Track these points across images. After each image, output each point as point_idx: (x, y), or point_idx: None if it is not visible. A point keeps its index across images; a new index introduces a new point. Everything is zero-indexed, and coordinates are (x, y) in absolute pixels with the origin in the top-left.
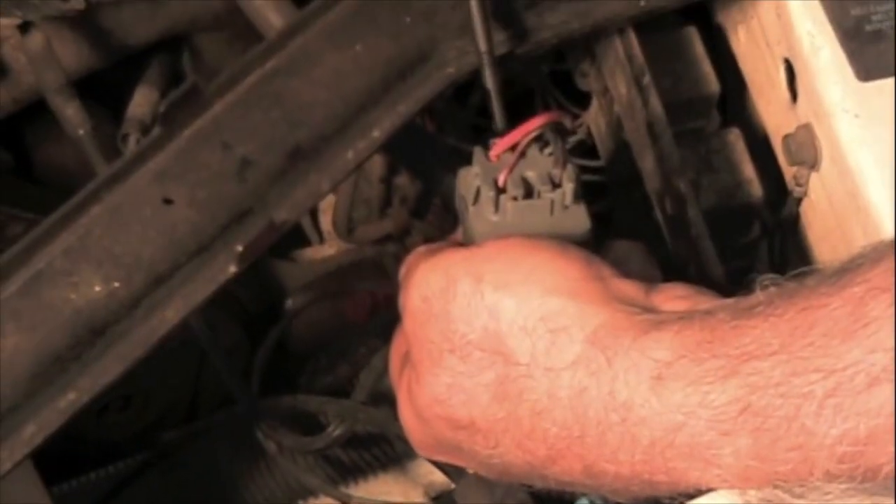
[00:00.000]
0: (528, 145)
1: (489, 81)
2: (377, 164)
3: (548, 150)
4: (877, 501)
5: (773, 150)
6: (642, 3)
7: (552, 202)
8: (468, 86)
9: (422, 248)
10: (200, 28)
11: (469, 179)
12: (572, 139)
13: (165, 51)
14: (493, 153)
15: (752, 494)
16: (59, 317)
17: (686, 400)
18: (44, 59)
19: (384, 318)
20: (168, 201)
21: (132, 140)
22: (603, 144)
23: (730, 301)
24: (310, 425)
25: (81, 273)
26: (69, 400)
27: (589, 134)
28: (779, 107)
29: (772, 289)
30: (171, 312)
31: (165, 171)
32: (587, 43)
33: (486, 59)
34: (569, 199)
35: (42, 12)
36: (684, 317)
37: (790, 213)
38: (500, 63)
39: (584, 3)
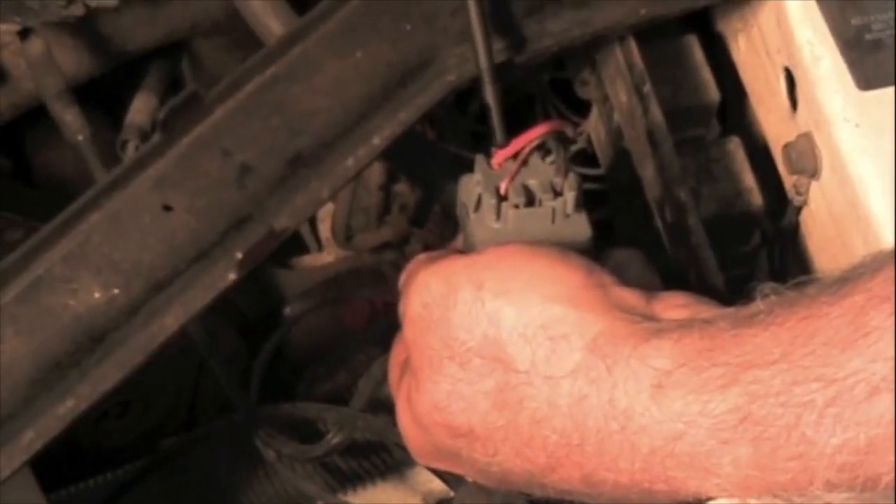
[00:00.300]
0: (530, 153)
1: (489, 96)
2: (376, 172)
3: (549, 159)
4: None
5: (774, 159)
6: (643, 11)
7: (553, 210)
8: (469, 93)
9: (422, 256)
10: (200, 34)
11: (471, 187)
12: (573, 147)
13: (164, 57)
14: (494, 161)
15: None
16: (58, 323)
17: (686, 409)
18: (43, 64)
19: (383, 326)
20: (167, 208)
21: (131, 146)
22: (603, 153)
23: (730, 310)
24: (308, 433)
25: (81, 279)
26: (68, 406)
27: (589, 142)
28: (779, 116)
29: (772, 297)
30: (171, 319)
31: (165, 177)
32: (587, 51)
33: (485, 75)
34: (570, 207)
35: (42, 18)
36: (684, 325)
37: (790, 222)
38: (500, 71)
39: (584, 11)
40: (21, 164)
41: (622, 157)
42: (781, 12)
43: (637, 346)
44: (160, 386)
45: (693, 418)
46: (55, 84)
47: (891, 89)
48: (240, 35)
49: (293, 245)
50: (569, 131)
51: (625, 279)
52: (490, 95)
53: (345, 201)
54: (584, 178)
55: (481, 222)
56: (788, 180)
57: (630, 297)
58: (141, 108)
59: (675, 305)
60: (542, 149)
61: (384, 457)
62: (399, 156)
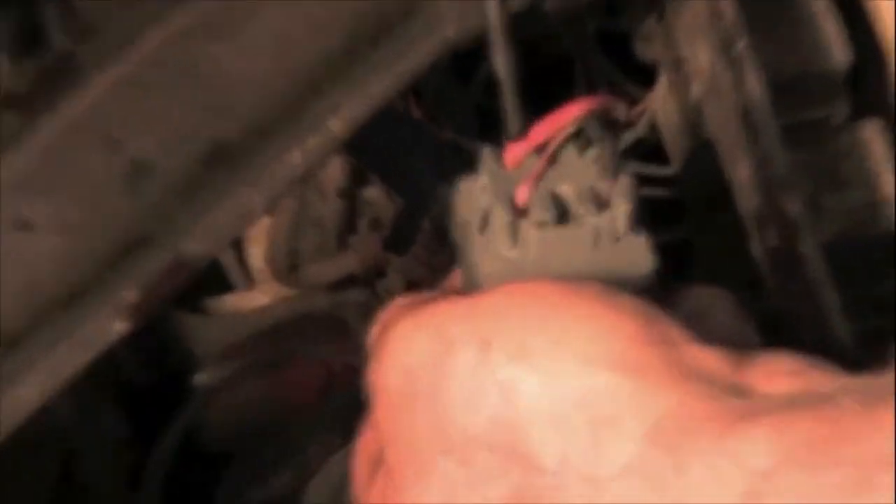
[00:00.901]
0: (562, 146)
1: (500, 63)
2: (335, 171)
3: (590, 154)
4: None
5: None
6: None
7: (597, 230)
8: (473, 54)
9: (402, 299)
10: None
11: (474, 196)
12: (628, 136)
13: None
14: (509, 157)
15: None
16: None
17: None
18: None
19: (343, 401)
20: (26, 226)
21: None
22: (675, 144)
23: (860, 380)
24: None
25: None
26: None
27: (654, 128)
28: None
29: None
30: (28, 389)
31: (22, 180)
32: None
33: (494, 29)
34: (621, 225)
35: None
36: (791, 403)
37: None
38: (521, 22)
39: None
40: None
41: (703, 150)
42: None
43: (722, 435)
44: (13, 484)
45: None
46: None
47: None
48: None
49: (210, 280)
50: (621, 112)
51: (704, 333)
52: (501, 62)
53: (288, 215)
54: (647, 181)
55: (490, 249)
56: None
57: (712, 359)
58: None
59: (777, 372)
60: (580, 139)
61: None
62: (369, 148)
